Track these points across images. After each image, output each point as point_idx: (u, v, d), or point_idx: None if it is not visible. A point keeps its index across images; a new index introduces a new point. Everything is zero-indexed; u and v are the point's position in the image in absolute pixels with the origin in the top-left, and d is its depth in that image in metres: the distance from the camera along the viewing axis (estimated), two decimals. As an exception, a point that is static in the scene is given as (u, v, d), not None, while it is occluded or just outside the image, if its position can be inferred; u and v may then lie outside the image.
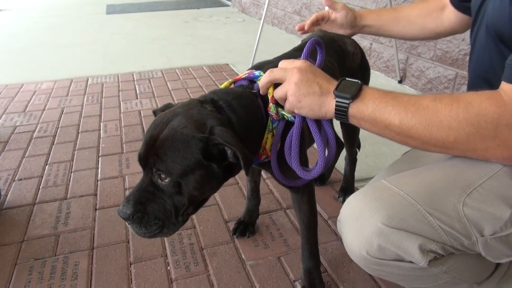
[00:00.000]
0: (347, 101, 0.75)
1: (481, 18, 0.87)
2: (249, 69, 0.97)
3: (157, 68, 3.30)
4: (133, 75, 3.14)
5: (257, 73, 0.91)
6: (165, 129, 0.79)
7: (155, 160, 0.78)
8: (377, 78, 2.95)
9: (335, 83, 0.78)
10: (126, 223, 0.82)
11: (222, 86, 0.93)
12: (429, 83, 2.55)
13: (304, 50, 0.85)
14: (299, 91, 0.78)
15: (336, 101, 0.76)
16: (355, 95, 0.74)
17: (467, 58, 2.23)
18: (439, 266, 0.76)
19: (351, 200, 0.81)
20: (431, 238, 0.72)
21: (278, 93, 0.82)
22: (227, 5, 6.56)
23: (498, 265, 0.85)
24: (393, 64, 2.85)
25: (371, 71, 3.12)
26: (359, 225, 0.76)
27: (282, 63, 0.84)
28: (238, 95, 0.88)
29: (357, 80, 0.77)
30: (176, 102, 2.56)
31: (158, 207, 0.80)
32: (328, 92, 0.77)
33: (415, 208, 0.73)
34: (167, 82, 2.96)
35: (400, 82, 2.81)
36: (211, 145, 0.77)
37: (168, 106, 0.90)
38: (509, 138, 0.65)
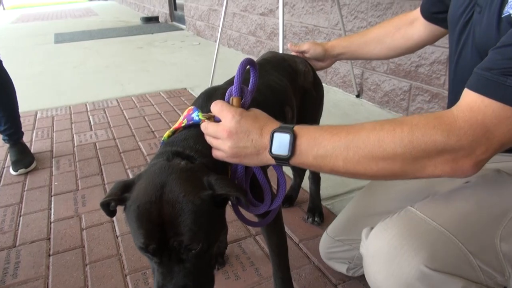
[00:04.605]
0: (285, 161, 0.74)
1: (465, 39, 0.86)
2: (193, 103, 0.94)
3: (112, 96, 3.21)
4: (86, 105, 3.03)
5: (195, 116, 0.86)
6: (164, 206, 0.72)
7: (179, 239, 0.72)
8: (335, 94, 3.01)
9: (268, 134, 0.75)
10: None
11: (165, 136, 0.88)
12: (386, 96, 2.63)
13: (235, 79, 0.79)
14: (236, 153, 0.77)
15: (275, 160, 0.75)
16: (291, 152, 0.72)
17: (419, 70, 2.34)
18: None
19: (381, 234, 0.75)
20: (471, 279, 0.70)
21: (218, 154, 0.81)
22: (182, 29, 6.57)
23: None
24: (349, 79, 2.92)
25: (329, 87, 3.21)
26: (395, 266, 0.71)
27: (213, 109, 0.80)
28: (198, 137, 0.84)
29: (289, 129, 0.73)
30: (133, 130, 2.50)
31: (198, 275, 0.76)
32: (263, 149, 0.75)
33: (456, 245, 0.70)
34: (123, 111, 2.87)
35: (358, 96, 2.88)
36: (217, 196, 0.75)
37: (126, 184, 0.80)
38: (458, 153, 0.64)
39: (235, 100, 0.80)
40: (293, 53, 1.35)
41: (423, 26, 1.14)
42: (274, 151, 0.73)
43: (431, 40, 1.17)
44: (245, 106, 0.81)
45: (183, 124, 0.86)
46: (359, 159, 0.68)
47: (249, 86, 0.82)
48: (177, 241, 0.72)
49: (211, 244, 0.78)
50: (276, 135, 0.73)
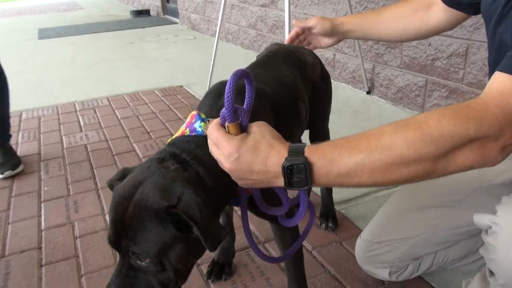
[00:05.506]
0: (305, 189, 0.73)
1: (502, 33, 0.83)
2: (199, 106, 0.94)
3: (102, 95, 3.20)
4: (74, 105, 3.02)
5: (198, 127, 0.84)
6: (130, 205, 0.75)
7: (128, 243, 0.74)
8: (344, 91, 3.01)
9: (277, 168, 0.71)
10: None
11: (167, 143, 0.88)
12: (399, 92, 2.63)
13: (226, 100, 0.72)
14: (246, 184, 0.78)
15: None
16: (309, 182, 0.71)
17: (436, 63, 2.34)
18: None
19: None
20: None
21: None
22: (175, 23, 6.57)
23: None
24: (359, 75, 2.92)
25: (338, 83, 3.21)
26: None
27: (210, 137, 0.77)
28: (202, 142, 0.82)
29: (300, 156, 0.70)
30: (127, 131, 2.50)
31: (142, 286, 0.77)
32: (274, 178, 0.73)
33: None
34: (115, 110, 2.87)
35: (368, 93, 2.88)
36: (176, 215, 0.73)
37: (125, 173, 0.84)
38: (487, 138, 0.65)
39: (231, 128, 0.75)
40: (297, 29, 1.34)
41: (441, 11, 1.14)
42: (290, 186, 0.72)
43: (449, 27, 1.17)
44: (243, 126, 0.76)
45: (186, 133, 0.86)
46: (387, 167, 0.67)
47: (245, 104, 0.77)
48: (126, 243, 0.75)
49: (171, 266, 0.76)
50: (287, 168, 0.70)
